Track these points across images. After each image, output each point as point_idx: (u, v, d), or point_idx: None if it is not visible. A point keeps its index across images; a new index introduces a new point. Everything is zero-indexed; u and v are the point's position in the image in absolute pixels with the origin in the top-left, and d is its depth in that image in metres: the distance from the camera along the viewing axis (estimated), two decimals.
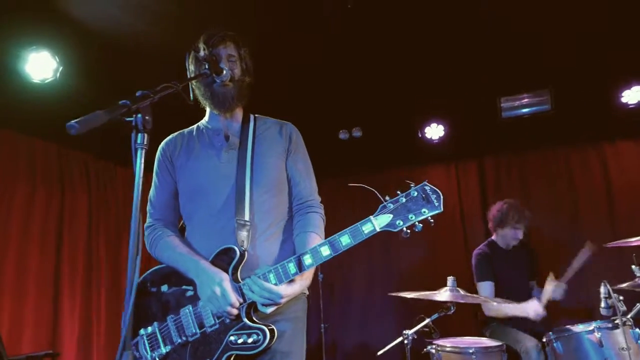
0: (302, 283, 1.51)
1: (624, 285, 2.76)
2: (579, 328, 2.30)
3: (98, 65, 3.06)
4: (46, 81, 2.88)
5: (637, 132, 3.80)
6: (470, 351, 2.56)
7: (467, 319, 3.68)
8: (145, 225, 1.70)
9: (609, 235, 3.63)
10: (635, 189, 3.70)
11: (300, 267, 1.42)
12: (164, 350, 1.49)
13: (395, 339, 2.80)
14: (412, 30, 3.03)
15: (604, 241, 3.57)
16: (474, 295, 2.52)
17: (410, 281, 4.04)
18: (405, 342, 2.46)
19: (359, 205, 4.31)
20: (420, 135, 4.13)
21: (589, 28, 3.05)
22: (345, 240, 1.40)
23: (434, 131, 4.09)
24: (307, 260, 1.42)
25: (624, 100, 3.64)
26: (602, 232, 3.69)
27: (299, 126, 1.79)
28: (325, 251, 1.41)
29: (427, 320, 2.49)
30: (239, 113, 1.72)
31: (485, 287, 3.08)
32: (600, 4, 2.84)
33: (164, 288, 1.58)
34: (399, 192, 1.40)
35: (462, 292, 2.42)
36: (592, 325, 2.24)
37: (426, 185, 1.38)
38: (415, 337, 2.51)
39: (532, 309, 2.77)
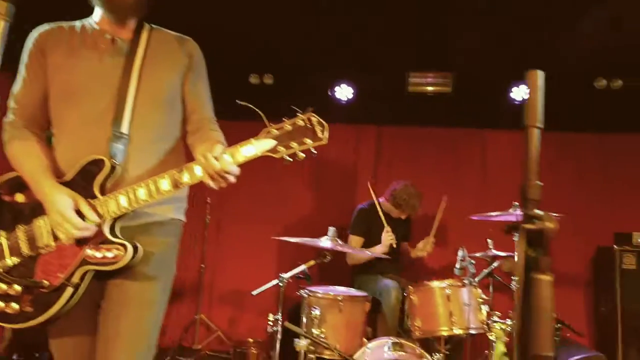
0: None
1: (478, 254, 3.15)
2: (434, 284, 2.57)
3: None
4: None
5: (516, 125, 4.20)
6: (339, 298, 2.74)
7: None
8: (5, 119, 1.48)
9: (481, 210, 4.06)
10: (505, 174, 4.11)
11: (175, 184, 1.34)
12: (9, 261, 1.34)
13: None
14: None
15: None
16: (346, 246, 2.67)
17: (297, 227, 4.14)
18: (280, 285, 2.53)
19: None
20: (330, 94, 4.15)
21: (495, 25, 3.27)
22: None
23: (344, 92, 4.13)
24: (184, 177, 1.34)
25: (512, 95, 3.99)
26: (476, 207, 4.09)
27: (209, 64, 1.66)
28: (200, 170, 1.34)
29: (302, 266, 2.58)
30: (134, 19, 1.55)
31: (353, 240, 3.34)
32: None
33: (20, 197, 1.40)
34: (284, 119, 1.36)
35: (339, 242, 2.55)
36: (445, 283, 2.52)
37: (313, 116, 1.34)
38: (291, 281, 2.60)
39: (380, 246, 3.07)
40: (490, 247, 3.00)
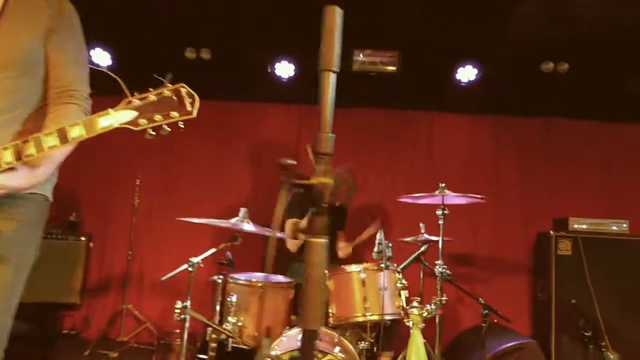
0: (29, 178, 1.32)
1: (408, 239, 3.12)
2: (349, 268, 2.54)
3: None
4: None
5: (463, 108, 4.18)
6: (259, 285, 2.68)
7: None
8: None
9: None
10: (453, 157, 4.11)
11: (18, 156, 1.24)
12: None
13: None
14: None
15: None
16: (266, 228, 2.60)
17: (235, 210, 4.03)
18: (190, 269, 2.45)
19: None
20: (270, 71, 4.04)
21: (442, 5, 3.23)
22: (76, 131, 1.25)
23: (284, 69, 4.02)
24: (29, 149, 1.24)
25: (457, 77, 3.97)
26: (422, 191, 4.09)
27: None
28: (51, 141, 1.25)
29: (213, 250, 2.51)
30: None
31: (291, 224, 3.22)
32: None
33: None
34: (150, 89, 1.29)
35: (250, 224, 2.48)
36: (361, 267, 2.49)
37: (182, 86, 1.29)
38: (202, 265, 2.52)
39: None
40: (422, 231, 2.98)
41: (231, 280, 2.73)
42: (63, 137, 1.25)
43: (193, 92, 1.30)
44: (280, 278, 2.90)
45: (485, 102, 4.10)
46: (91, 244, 3.88)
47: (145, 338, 3.87)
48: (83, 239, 3.79)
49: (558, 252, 3.45)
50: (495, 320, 2.98)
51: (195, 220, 2.50)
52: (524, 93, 3.97)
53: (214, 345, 2.30)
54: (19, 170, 1.28)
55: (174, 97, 1.27)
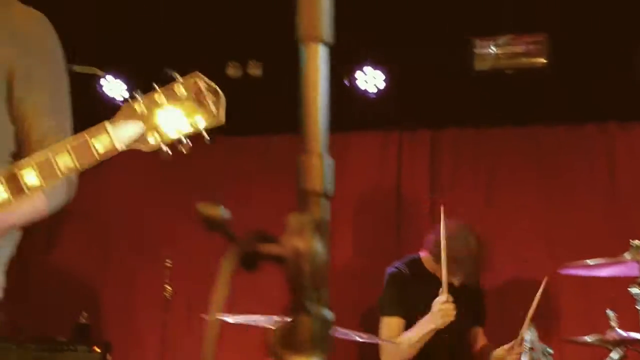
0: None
1: (589, 338, 2.77)
2: None
3: None
4: None
5: None
6: None
7: None
8: None
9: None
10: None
11: None
12: None
13: None
14: None
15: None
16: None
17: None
18: None
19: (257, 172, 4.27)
20: (347, 83, 4.03)
21: None
22: (64, 160, 1.28)
23: (370, 79, 4.01)
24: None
25: None
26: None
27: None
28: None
29: None
30: None
31: (389, 327, 3.07)
32: None
33: None
34: (156, 86, 1.30)
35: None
36: None
37: (199, 77, 1.28)
38: None
39: (426, 318, 2.82)
40: (613, 323, 2.66)
41: None
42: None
43: (214, 85, 1.29)
44: None
45: None
46: (109, 357, 3.97)
47: None
48: (97, 349, 3.89)
49: None
50: None
51: (230, 320, 2.45)
52: None
53: None
54: None
55: (193, 95, 1.28)
